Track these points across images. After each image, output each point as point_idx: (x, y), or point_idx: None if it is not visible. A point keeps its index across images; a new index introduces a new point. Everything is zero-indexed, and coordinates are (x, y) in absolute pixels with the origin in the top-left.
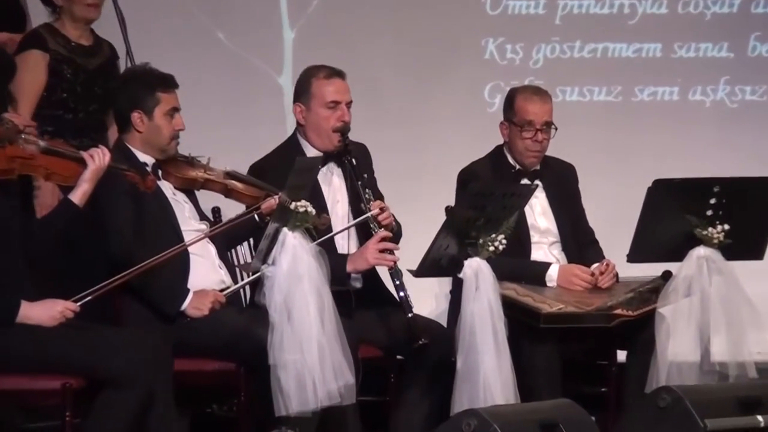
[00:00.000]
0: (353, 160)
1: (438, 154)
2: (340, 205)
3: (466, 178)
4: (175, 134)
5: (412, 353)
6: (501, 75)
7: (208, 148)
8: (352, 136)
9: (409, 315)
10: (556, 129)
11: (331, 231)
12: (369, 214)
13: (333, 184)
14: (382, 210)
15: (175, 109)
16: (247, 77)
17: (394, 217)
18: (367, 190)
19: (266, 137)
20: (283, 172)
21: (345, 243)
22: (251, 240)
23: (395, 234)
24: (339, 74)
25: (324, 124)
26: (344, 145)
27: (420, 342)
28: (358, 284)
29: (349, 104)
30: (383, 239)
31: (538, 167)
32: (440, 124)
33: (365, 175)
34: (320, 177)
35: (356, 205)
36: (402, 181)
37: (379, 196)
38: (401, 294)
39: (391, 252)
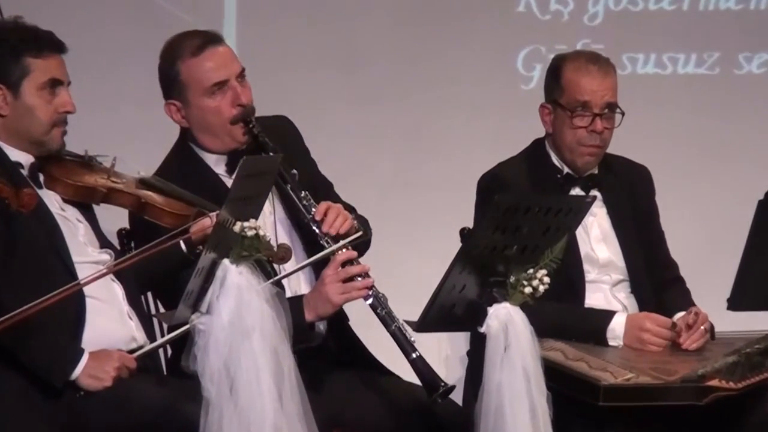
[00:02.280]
0: (271, 153)
1: (449, 153)
2: (273, 219)
3: (491, 188)
4: (57, 119)
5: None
6: (542, 36)
7: (115, 143)
8: (324, 123)
9: (413, 356)
10: (622, 114)
11: (294, 264)
12: (315, 228)
13: None
14: (327, 213)
15: (57, 82)
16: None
17: (352, 211)
18: (303, 194)
19: None
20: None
21: (295, 279)
22: (176, 278)
23: (361, 239)
24: (211, 40)
25: (215, 117)
26: (253, 137)
27: (441, 389)
28: (323, 334)
29: (240, 77)
30: (344, 262)
31: (595, 170)
32: (452, 108)
33: (294, 172)
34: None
35: (297, 218)
36: (397, 192)
37: (325, 193)
38: (393, 327)
39: (362, 275)
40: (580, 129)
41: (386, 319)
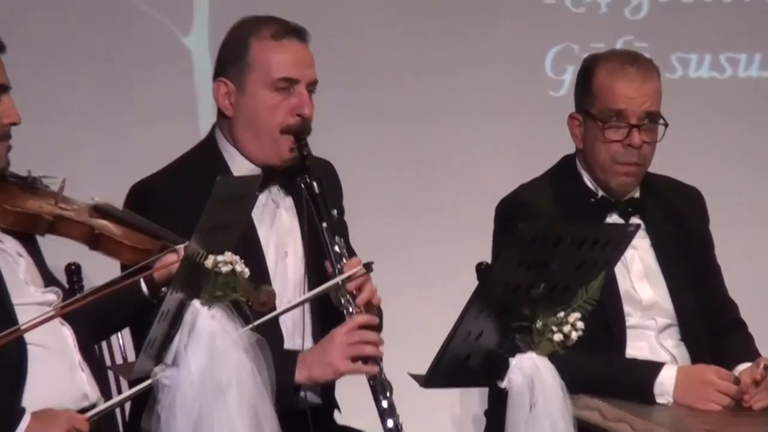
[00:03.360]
0: (315, 184)
1: (463, 173)
2: (291, 262)
3: (512, 215)
4: (1, 132)
5: None
6: (575, 32)
7: (65, 161)
8: (314, 137)
9: None
10: (665, 126)
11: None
12: (338, 280)
13: (279, 224)
14: (354, 275)
15: (3, 90)
16: (136, 37)
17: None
18: (337, 240)
19: (164, 136)
20: (191, 204)
21: (294, 327)
22: (136, 324)
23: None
24: (298, 33)
25: (267, 117)
26: (301, 158)
27: None
28: (315, 399)
29: (312, 86)
30: (361, 327)
31: (636, 193)
32: (467, 119)
33: (335, 212)
34: (256, 212)
35: (318, 263)
36: (401, 219)
37: (352, 252)
38: (390, 424)
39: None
40: (614, 143)
41: (387, 412)
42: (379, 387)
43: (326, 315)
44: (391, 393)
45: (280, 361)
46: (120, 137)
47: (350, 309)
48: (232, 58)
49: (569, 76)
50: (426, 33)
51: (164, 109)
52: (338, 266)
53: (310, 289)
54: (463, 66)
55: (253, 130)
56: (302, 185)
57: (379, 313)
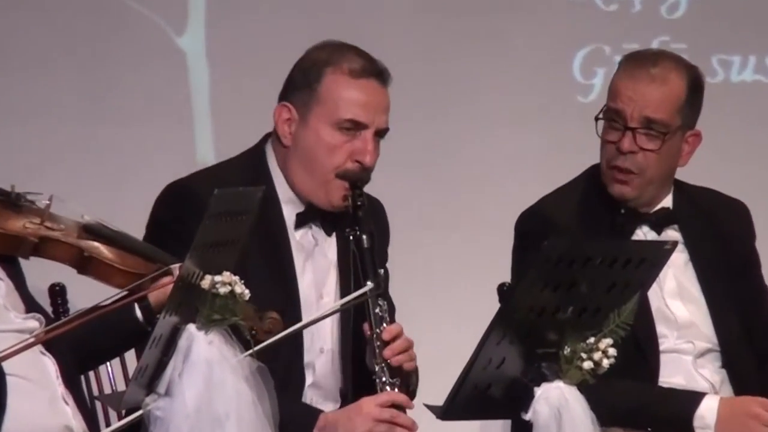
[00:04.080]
0: (365, 239)
1: (484, 184)
2: (327, 304)
3: (532, 230)
4: None
5: None
6: (606, 32)
7: (50, 172)
8: None
9: None
10: (663, 135)
11: (301, 353)
12: (376, 346)
13: (317, 264)
14: (394, 339)
15: None
16: (126, 37)
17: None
18: (380, 302)
19: (159, 144)
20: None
21: (330, 367)
22: (127, 352)
23: (411, 389)
24: (379, 75)
25: (325, 156)
26: (354, 208)
27: None
28: None
29: (381, 134)
30: (395, 405)
31: (667, 203)
32: (488, 127)
33: (381, 272)
34: (296, 238)
35: (355, 316)
36: (416, 234)
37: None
38: None
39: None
40: (609, 144)
41: None
42: None
43: (349, 357)
44: None
45: (299, 415)
46: (110, 146)
47: (383, 378)
48: (301, 83)
49: (600, 80)
50: (444, 34)
51: (157, 115)
52: (377, 330)
53: (342, 343)
54: (483, 69)
55: (307, 167)
56: (351, 237)
57: (416, 377)
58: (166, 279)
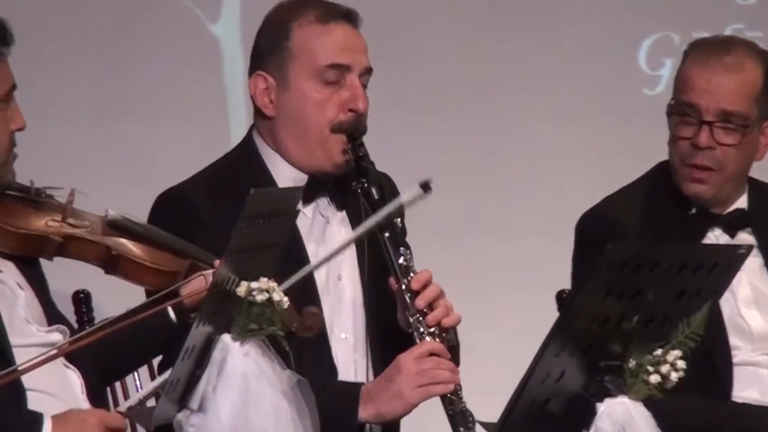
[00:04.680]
0: (374, 190)
1: (540, 185)
2: (346, 286)
3: (595, 232)
4: (11, 141)
5: None
6: (674, 19)
7: (74, 167)
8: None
9: None
10: (743, 128)
11: (326, 338)
12: (407, 298)
13: (330, 242)
14: (427, 287)
15: (11, 92)
16: (156, 25)
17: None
18: (403, 251)
19: (190, 137)
20: (230, 218)
21: (351, 354)
22: (157, 361)
23: (453, 352)
24: (347, 16)
25: (314, 114)
26: (356, 160)
27: None
28: None
29: (366, 75)
30: (433, 353)
31: (742, 203)
32: (544, 123)
33: (398, 220)
34: (303, 228)
35: (380, 285)
36: (465, 239)
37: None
38: None
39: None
40: (682, 141)
41: None
42: (460, 419)
43: (388, 341)
44: (474, 424)
45: (339, 397)
46: (138, 139)
47: (420, 330)
48: (270, 47)
49: (667, 71)
50: (488, 22)
51: (189, 106)
52: (405, 281)
53: (369, 318)
54: (539, 61)
55: (298, 131)
56: (359, 190)
57: (456, 337)
58: (199, 282)
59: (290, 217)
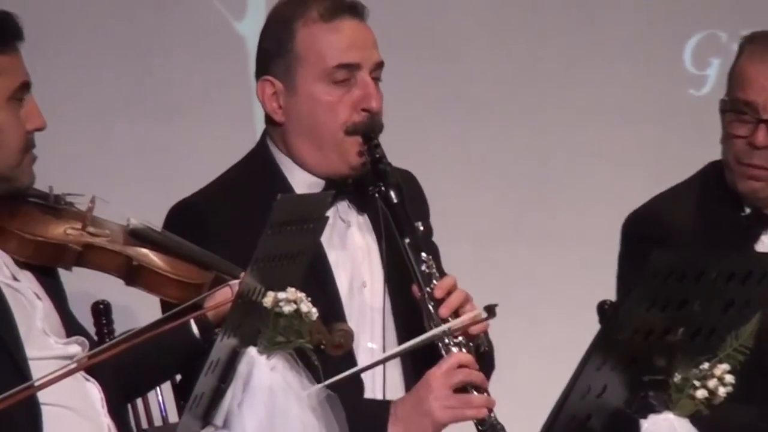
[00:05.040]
0: (392, 193)
1: (581, 189)
2: (370, 293)
3: (643, 235)
4: (27, 141)
5: None
6: (722, 15)
7: (94, 172)
8: (395, 147)
9: None
10: None
11: (353, 355)
12: (431, 307)
13: (352, 248)
14: (451, 294)
15: (24, 87)
16: (179, 23)
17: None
18: (424, 257)
19: (214, 140)
20: (246, 229)
21: (376, 368)
22: (179, 377)
23: (486, 357)
24: (353, 9)
25: (326, 117)
26: (373, 162)
27: None
28: None
29: (377, 70)
30: (462, 365)
31: None
32: (585, 125)
33: (419, 224)
34: (325, 237)
35: (404, 292)
36: (507, 249)
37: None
38: None
39: (479, 390)
40: (738, 139)
41: None
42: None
43: (417, 351)
44: None
45: (367, 416)
46: (160, 143)
47: (446, 341)
48: (275, 49)
49: (714, 71)
50: (536, 21)
51: (213, 108)
52: (428, 289)
53: (398, 327)
54: (579, 62)
55: (311, 136)
56: (377, 194)
57: (490, 347)
58: (224, 293)
59: (320, 224)
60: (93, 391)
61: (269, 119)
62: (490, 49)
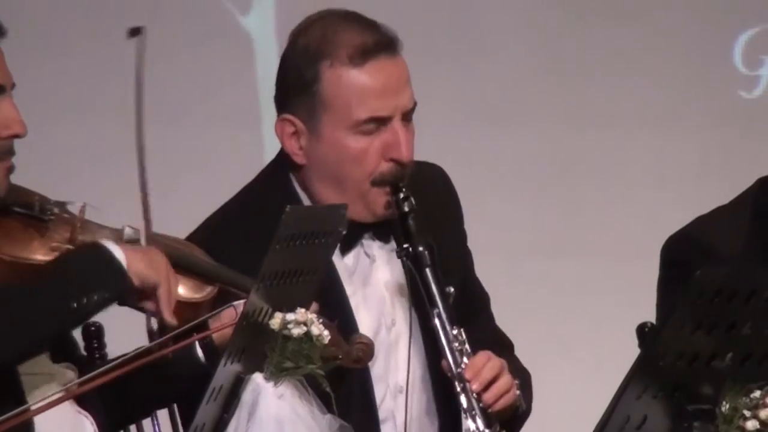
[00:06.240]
0: (421, 251)
1: (619, 201)
2: (401, 332)
3: (685, 257)
4: (3, 148)
5: None
6: None
7: (85, 177)
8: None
9: None
10: None
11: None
12: (460, 388)
13: (377, 285)
14: (483, 370)
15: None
16: (180, 18)
17: (507, 349)
18: (455, 333)
19: (218, 142)
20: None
21: (408, 411)
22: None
23: (516, 417)
24: (386, 47)
25: (352, 167)
26: (401, 216)
27: None
28: None
29: (409, 114)
30: None
31: None
32: (625, 130)
33: (450, 289)
34: (343, 274)
35: (430, 333)
36: (536, 263)
37: (476, 312)
38: None
39: None
40: None
41: None
42: None
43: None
44: None
45: None
46: (160, 145)
47: (477, 419)
48: (298, 88)
49: (767, 71)
50: (575, 19)
51: (218, 108)
52: (457, 370)
53: (431, 368)
54: (622, 63)
55: (335, 184)
56: (405, 257)
57: (525, 402)
58: (231, 309)
59: (334, 238)
60: (87, 425)
61: (288, 157)
62: (526, 51)
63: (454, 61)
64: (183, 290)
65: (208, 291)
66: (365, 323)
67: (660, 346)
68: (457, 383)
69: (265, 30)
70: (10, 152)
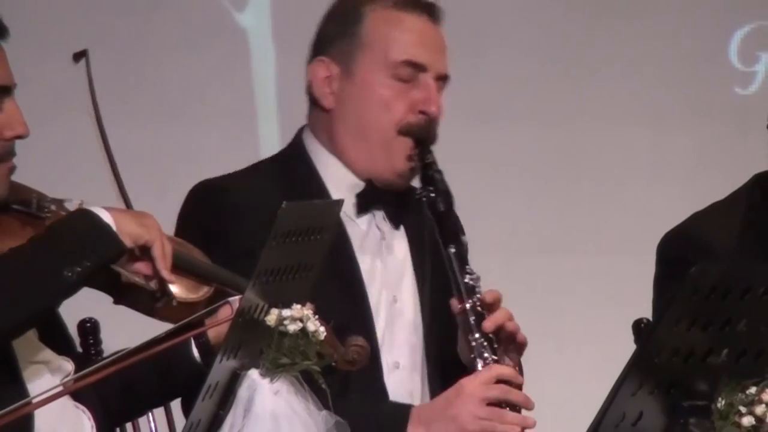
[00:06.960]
0: (440, 202)
1: (617, 198)
2: (403, 310)
3: (681, 255)
4: (3, 149)
5: None
6: None
7: (82, 175)
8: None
9: None
10: None
11: (378, 367)
12: (472, 321)
13: (386, 259)
14: (491, 307)
15: (3, 91)
16: (175, 14)
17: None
18: (469, 269)
19: (213, 140)
20: (265, 214)
21: (406, 385)
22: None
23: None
24: (429, 9)
25: (381, 111)
26: (424, 166)
27: None
28: None
29: (442, 80)
30: (500, 380)
31: None
32: (622, 127)
33: (465, 238)
34: (356, 240)
35: (443, 311)
36: (532, 260)
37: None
38: None
39: (513, 408)
40: None
41: None
42: None
43: (447, 373)
44: None
45: (385, 418)
46: (154, 143)
47: (485, 355)
48: (337, 31)
49: (763, 67)
50: (572, 19)
51: (213, 106)
52: (470, 302)
53: (428, 345)
54: (615, 59)
55: (359, 129)
56: (424, 199)
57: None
58: (227, 306)
59: (328, 234)
60: (84, 421)
61: (315, 104)
62: (528, 48)
63: (453, 61)
64: (179, 290)
65: (204, 291)
66: (372, 297)
67: (655, 342)
68: (468, 315)
69: (261, 27)
70: (12, 153)
